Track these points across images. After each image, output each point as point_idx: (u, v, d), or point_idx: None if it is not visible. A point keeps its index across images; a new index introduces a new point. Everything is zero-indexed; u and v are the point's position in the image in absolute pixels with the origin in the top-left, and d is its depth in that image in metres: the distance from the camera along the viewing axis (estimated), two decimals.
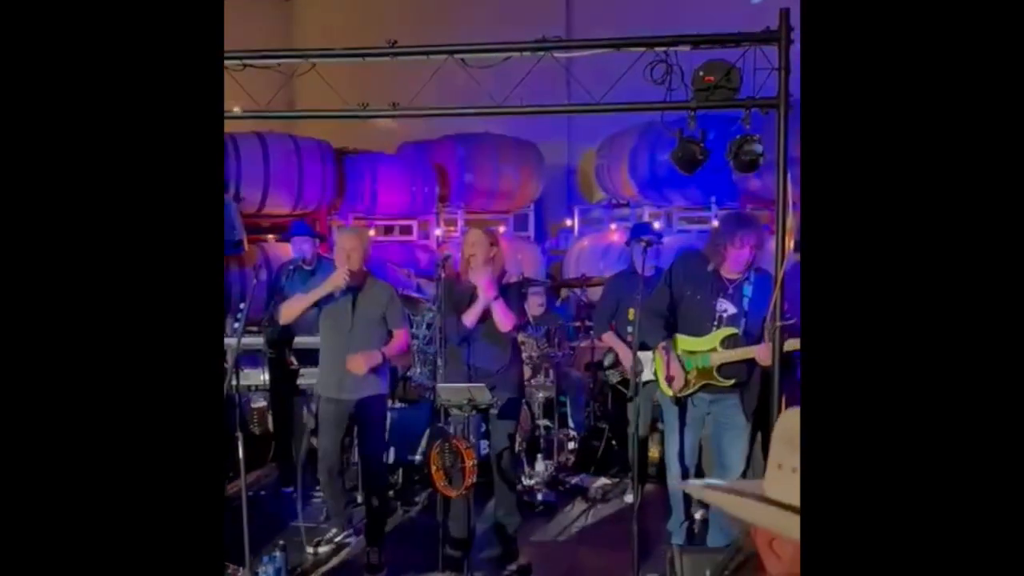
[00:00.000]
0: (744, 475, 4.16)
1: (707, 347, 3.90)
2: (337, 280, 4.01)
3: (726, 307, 3.88)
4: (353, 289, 4.08)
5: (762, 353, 3.78)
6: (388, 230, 8.02)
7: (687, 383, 3.94)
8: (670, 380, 3.95)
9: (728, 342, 3.86)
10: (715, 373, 3.87)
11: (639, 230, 4.96)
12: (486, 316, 4.08)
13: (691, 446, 4.09)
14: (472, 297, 4.07)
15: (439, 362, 5.14)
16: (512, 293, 4.22)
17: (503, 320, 4.04)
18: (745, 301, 3.87)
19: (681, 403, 4.02)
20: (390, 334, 4.21)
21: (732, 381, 3.89)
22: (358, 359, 4.04)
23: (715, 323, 3.88)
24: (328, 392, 4.20)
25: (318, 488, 4.62)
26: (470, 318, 4.06)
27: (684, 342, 3.94)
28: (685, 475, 4.12)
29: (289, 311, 4.19)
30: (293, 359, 5.07)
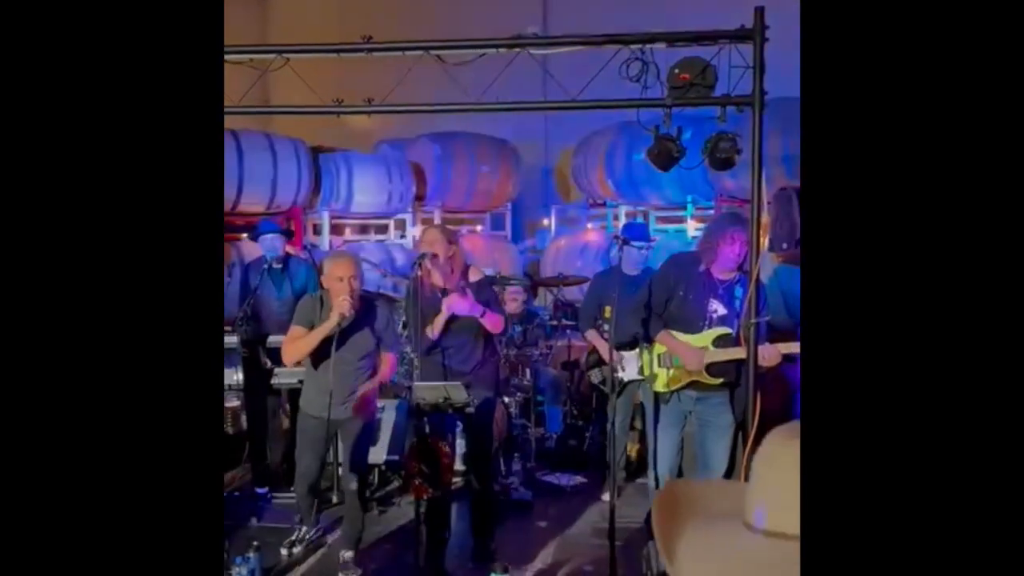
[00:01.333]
0: (728, 475, 4.17)
1: (699, 345, 3.90)
2: (344, 310, 3.86)
3: (716, 308, 3.90)
4: (353, 317, 3.98)
5: (767, 352, 3.78)
6: (364, 229, 7.97)
7: (676, 379, 3.94)
8: (655, 376, 3.96)
9: (720, 342, 3.87)
10: (704, 371, 3.88)
11: (632, 232, 4.91)
12: (456, 317, 4.07)
13: (674, 443, 4.09)
14: (438, 304, 4.04)
15: (415, 362, 5.13)
16: (486, 292, 4.21)
17: (493, 325, 4.08)
18: (736, 303, 3.88)
19: (666, 400, 4.02)
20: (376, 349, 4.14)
21: (720, 380, 3.90)
22: (364, 394, 4.06)
23: (706, 323, 3.89)
24: (313, 411, 4.11)
25: (292, 488, 4.58)
26: (435, 331, 4.04)
27: (678, 338, 3.94)
28: (667, 472, 4.12)
29: (295, 350, 4.02)
30: (267, 359, 5.02)
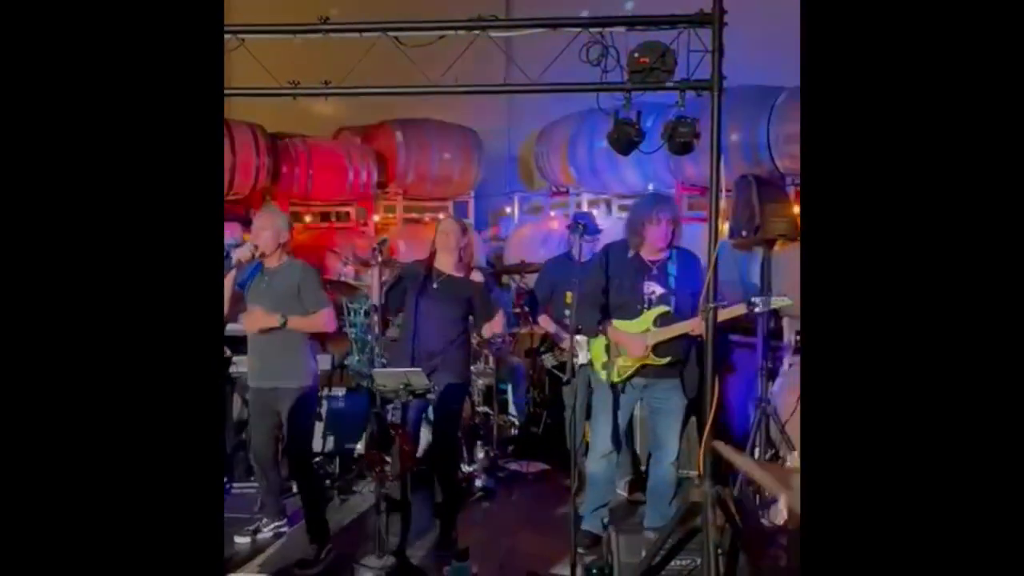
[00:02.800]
0: (679, 458, 4.21)
1: (640, 328, 3.93)
2: (242, 253, 3.89)
3: (653, 288, 3.94)
4: (270, 273, 3.99)
5: (695, 326, 3.80)
6: (325, 216, 7.88)
7: (623, 367, 3.96)
8: (608, 366, 3.97)
9: (660, 320, 3.91)
10: (650, 353, 3.90)
11: (579, 219, 4.94)
12: (435, 296, 4.14)
13: (610, 427, 4.09)
14: (431, 279, 4.17)
15: (377, 349, 5.09)
16: (487, 295, 4.30)
17: (499, 326, 4.34)
18: (671, 280, 3.94)
19: (615, 386, 4.04)
20: None
21: (668, 359, 3.92)
22: (254, 314, 3.95)
23: (644, 305, 3.94)
24: (252, 381, 4.13)
25: (253, 478, 4.51)
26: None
27: (617, 326, 3.96)
28: (602, 456, 4.11)
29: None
30: (225, 347, 4.94)
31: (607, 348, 3.98)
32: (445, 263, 4.25)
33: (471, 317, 4.31)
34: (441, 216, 4.50)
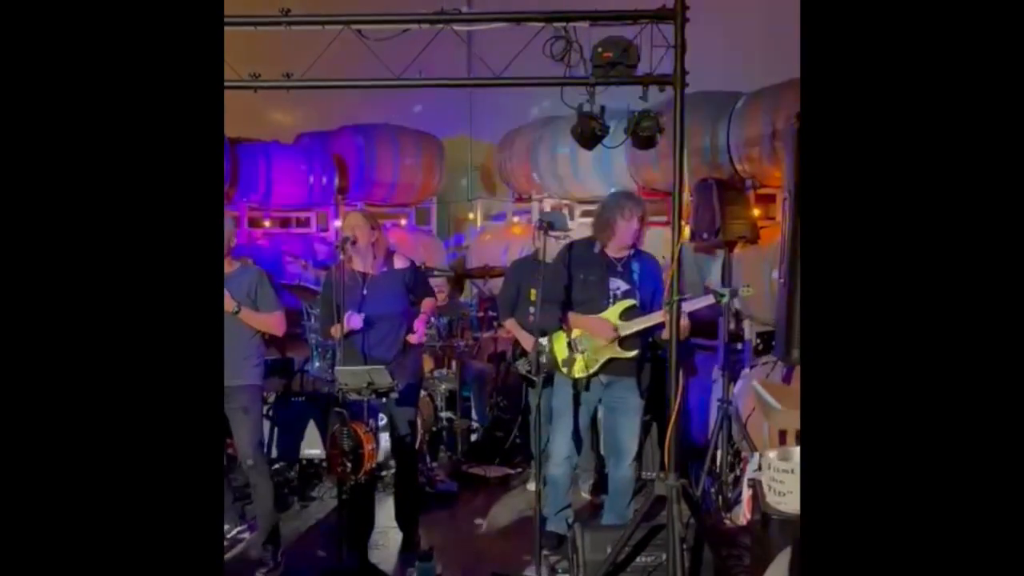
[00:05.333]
0: (638, 458, 4.20)
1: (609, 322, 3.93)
2: None
3: (619, 284, 3.96)
4: (226, 279, 3.82)
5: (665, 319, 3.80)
6: (285, 222, 7.79)
7: (590, 361, 3.95)
8: (571, 362, 3.95)
9: (626, 315, 3.92)
10: (617, 346, 3.90)
11: (546, 218, 4.92)
12: (376, 307, 4.02)
13: (570, 428, 4.06)
14: (358, 290, 4.02)
15: (339, 353, 5.02)
16: (414, 277, 4.19)
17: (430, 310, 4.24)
18: (635, 276, 3.96)
19: (577, 386, 4.02)
20: None
21: (634, 352, 3.93)
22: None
23: (610, 300, 3.95)
24: None
25: None
26: (336, 336, 3.94)
27: (583, 320, 3.95)
28: (563, 459, 4.08)
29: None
30: None
31: (569, 345, 3.97)
32: (365, 265, 4.07)
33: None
34: (345, 212, 4.39)
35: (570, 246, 4.15)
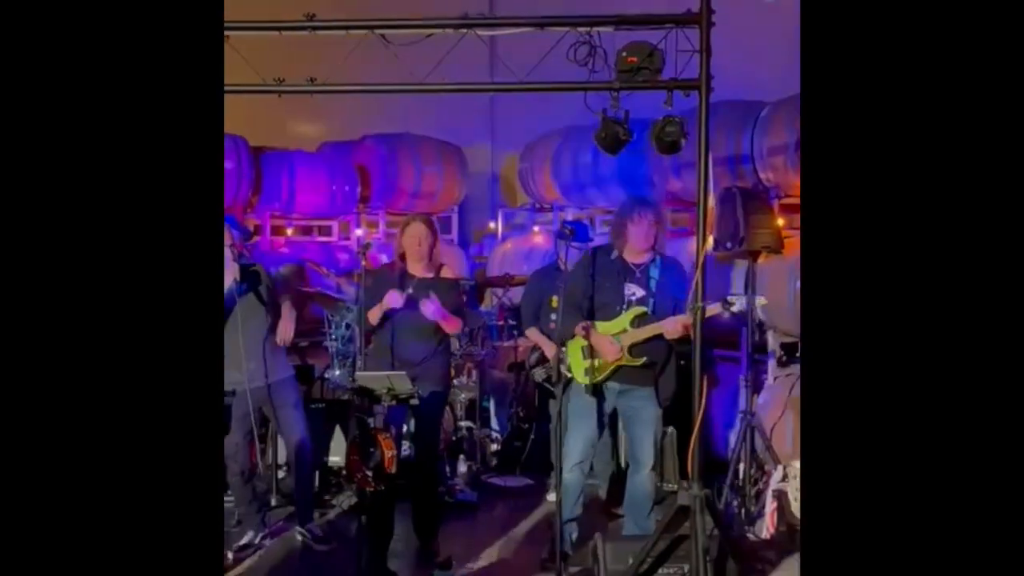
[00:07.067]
0: (654, 468, 4.14)
1: (617, 329, 3.92)
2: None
3: (634, 291, 3.95)
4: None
5: (668, 326, 3.77)
6: (307, 230, 7.82)
7: (599, 367, 3.91)
8: (583, 368, 3.93)
9: (637, 322, 3.89)
10: (626, 352, 3.87)
11: (569, 224, 4.89)
12: (415, 305, 4.03)
13: (584, 436, 4.02)
14: (404, 285, 4.06)
15: (359, 360, 5.02)
16: (453, 294, 4.20)
17: (451, 327, 4.13)
18: (652, 283, 3.94)
19: (590, 391, 3.98)
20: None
21: (643, 360, 3.88)
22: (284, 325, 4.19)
23: (624, 306, 3.93)
24: (239, 384, 4.00)
25: (228, 493, 4.40)
26: (375, 315, 4.05)
27: (596, 327, 3.92)
28: (575, 465, 4.03)
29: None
30: None
31: (583, 349, 3.94)
32: (416, 267, 4.17)
33: None
34: (406, 218, 4.44)
35: (592, 252, 4.13)
